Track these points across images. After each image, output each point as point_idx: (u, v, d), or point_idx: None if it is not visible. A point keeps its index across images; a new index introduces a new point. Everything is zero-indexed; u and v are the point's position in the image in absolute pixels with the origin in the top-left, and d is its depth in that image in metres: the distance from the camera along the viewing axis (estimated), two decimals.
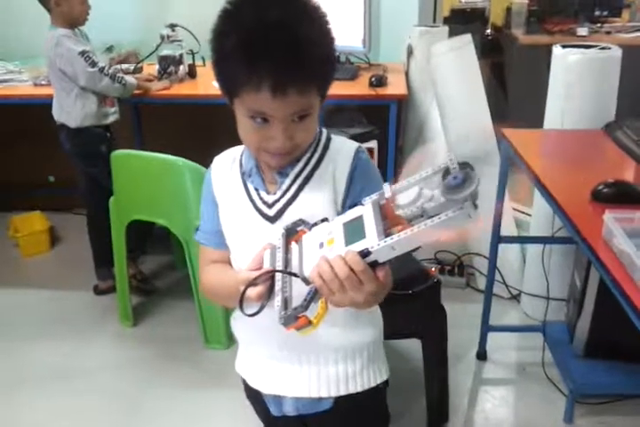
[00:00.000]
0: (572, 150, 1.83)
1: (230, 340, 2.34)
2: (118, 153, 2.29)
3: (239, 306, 0.84)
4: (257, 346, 1.11)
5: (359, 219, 0.78)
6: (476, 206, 0.69)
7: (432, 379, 1.90)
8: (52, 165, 3.33)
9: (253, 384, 1.14)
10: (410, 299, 1.71)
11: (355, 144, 1.02)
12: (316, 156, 0.99)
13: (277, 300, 0.80)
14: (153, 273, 2.88)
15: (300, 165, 0.98)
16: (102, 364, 2.33)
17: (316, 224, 0.84)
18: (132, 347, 2.41)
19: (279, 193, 0.99)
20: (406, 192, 0.75)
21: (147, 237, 2.74)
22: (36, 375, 2.27)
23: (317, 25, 0.88)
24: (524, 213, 2.71)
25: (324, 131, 1.03)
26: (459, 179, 0.69)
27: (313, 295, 0.78)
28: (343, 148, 1.01)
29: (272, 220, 0.98)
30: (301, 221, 0.86)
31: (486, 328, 2.24)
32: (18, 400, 2.17)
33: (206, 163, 2.16)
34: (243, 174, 1.03)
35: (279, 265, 0.83)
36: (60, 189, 3.41)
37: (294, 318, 0.78)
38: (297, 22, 0.84)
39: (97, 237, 2.67)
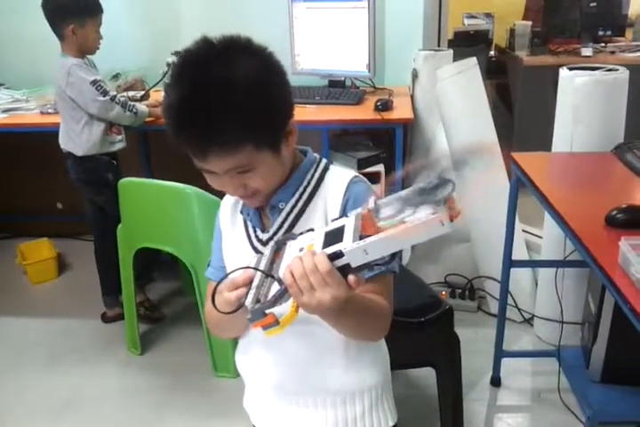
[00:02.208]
0: (582, 174, 1.81)
1: None
2: (125, 181, 2.29)
3: (211, 301, 0.85)
4: (257, 384, 1.10)
5: (341, 228, 0.79)
6: (453, 218, 0.69)
7: (446, 408, 1.86)
8: (60, 193, 3.34)
9: (255, 422, 1.13)
10: (422, 327, 1.68)
11: (349, 175, 0.99)
12: (309, 190, 0.98)
13: (250, 295, 0.81)
14: (161, 300, 2.86)
15: (292, 201, 0.98)
16: (109, 393, 2.30)
17: (302, 233, 0.85)
18: (140, 376, 2.38)
19: (271, 231, 0.99)
20: (390, 206, 0.76)
21: (154, 264, 2.73)
22: (42, 405, 2.24)
23: (253, 87, 0.86)
24: (534, 235, 2.68)
25: (324, 160, 1.02)
26: (433, 183, 0.71)
27: (282, 293, 0.79)
28: (336, 180, 0.98)
29: None
30: (292, 235, 0.87)
31: (500, 354, 2.20)
32: None
33: (213, 190, 2.17)
34: (242, 212, 1.03)
35: (258, 275, 0.84)
36: (68, 215, 3.41)
37: (261, 313, 0.78)
38: (226, 89, 0.84)
39: (104, 264, 2.66)
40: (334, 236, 0.79)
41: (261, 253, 0.96)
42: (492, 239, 2.46)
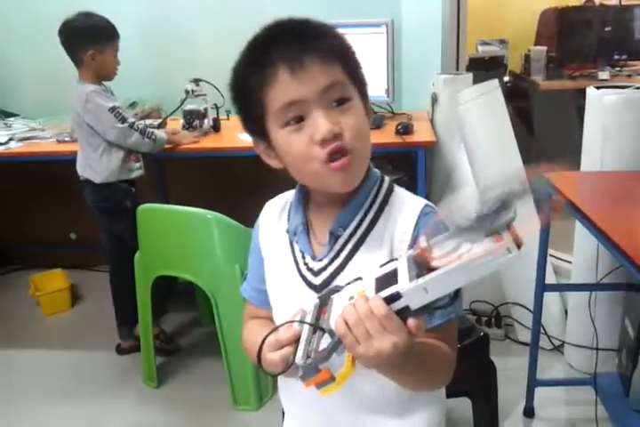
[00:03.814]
0: (618, 192, 1.76)
1: (260, 401, 2.23)
2: (144, 207, 2.24)
3: (257, 361, 0.79)
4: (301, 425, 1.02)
5: (393, 271, 0.72)
6: (518, 245, 0.63)
7: None
8: (74, 222, 3.31)
9: None
10: (458, 355, 1.60)
11: (420, 203, 0.88)
12: (371, 215, 0.88)
13: (299, 351, 0.73)
14: (176, 330, 2.78)
15: (352, 226, 0.88)
16: None
17: (349, 283, 0.77)
18: (157, 409, 2.29)
19: (326, 260, 0.89)
20: (444, 244, 0.69)
21: (169, 294, 2.65)
22: None
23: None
24: (560, 259, 2.61)
25: (387, 179, 0.92)
26: (493, 207, 0.64)
27: (336, 345, 0.71)
28: (405, 207, 0.88)
29: (318, 289, 0.87)
30: (337, 287, 0.79)
31: (533, 383, 2.11)
32: None
33: (231, 215, 2.13)
34: (288, 232, 0.93)
35: (306, 329, 0.76)
36: (82, 246, 3.37)
37: (315, 369, 0.71)
38: (300, 21, 0.84)
39: (120, 294, 2.60)
40: (387, 280, 0.71)
41: (311, 282, 0.90)
42: (519, 263, 2.39)
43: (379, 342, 0.68)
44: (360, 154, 0.83)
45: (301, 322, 0.75)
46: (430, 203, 0.90)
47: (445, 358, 0.86)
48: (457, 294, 0.70)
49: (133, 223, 2.29)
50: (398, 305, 0.68)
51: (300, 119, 0.80)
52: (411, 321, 0.69)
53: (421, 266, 0.68)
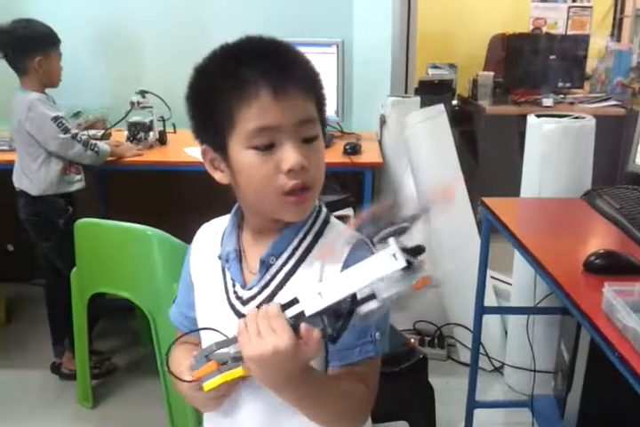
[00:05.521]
0: (554, 219, 1.80)
1: (199, 425, 2.17)
2: (82, 222, 2.17)
3: (167, 370, 0.84)
4: None
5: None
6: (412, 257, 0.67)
7: None
8: (11, 234, 3.17)
9: None
10: (396, 377, 1.60)
11: (354, 236, 0.87)
12: (304, 245, 0.87)
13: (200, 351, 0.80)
14: (115, 349, 2.70)
15: (284, 256, 0.87)
16: None
17: None
18: None
19: (256, 289, 0.87)
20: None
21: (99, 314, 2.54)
22: None
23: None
24: (501, 281, 2.66)
25: (324, 211, 0.92)
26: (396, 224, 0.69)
27: (231, 340, 0.76)
28: (338, 240, 0.87)
29: None
30: None
31: (472, 404, 2.12)
32: None
33: (173, 232, 2.08)
34: (220, 257, 0.92)
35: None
36: (20, 258, 3.24)
37: (205, 359, 0.76)
38: (277, 42, 0.86)
39: (55, 311, 2.50)
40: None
41: (239, 312, 0.88)
42: (461, 285, 2.43)
43: (262, 343, 0.71)
44: (317, 190, 0.86)
45: (209, 329, 0.81)
46: (364, 237, 0.90)
47: (356, 394, 0.83)
48: (383, 332, 0.75)
49: (63, 244, 2.22)
50: (294, 310, 0.72)
51: (269, 146, 0.80)
52: (303, 325, 0.72)
53: None
